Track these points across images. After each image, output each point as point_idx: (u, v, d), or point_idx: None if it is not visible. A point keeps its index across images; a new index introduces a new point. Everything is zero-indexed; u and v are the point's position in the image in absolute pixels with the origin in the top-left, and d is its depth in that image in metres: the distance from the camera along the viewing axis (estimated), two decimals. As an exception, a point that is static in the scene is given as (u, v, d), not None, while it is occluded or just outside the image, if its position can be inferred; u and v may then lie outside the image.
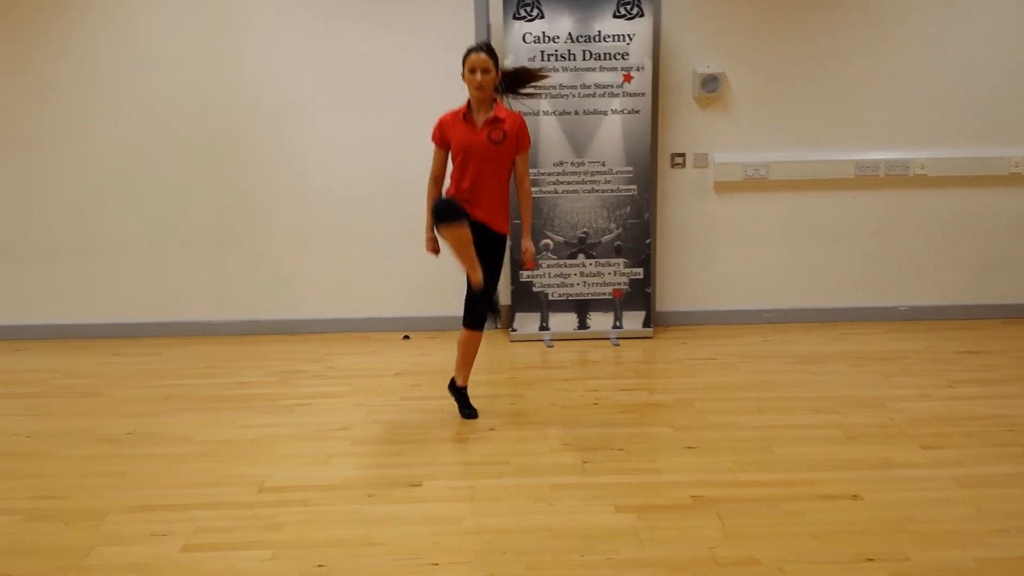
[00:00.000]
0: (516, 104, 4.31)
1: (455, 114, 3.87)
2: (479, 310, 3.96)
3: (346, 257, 5.78)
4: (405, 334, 5.79)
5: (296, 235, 5.75)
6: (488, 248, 3.85)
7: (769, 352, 5.19)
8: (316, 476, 3.47)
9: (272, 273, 5.81)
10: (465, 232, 3.62)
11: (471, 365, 4.15)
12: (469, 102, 3.84)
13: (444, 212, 3.56)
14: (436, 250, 4.00)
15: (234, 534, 2.99)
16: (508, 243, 4.04)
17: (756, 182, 5.68)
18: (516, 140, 3.83)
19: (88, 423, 4.18)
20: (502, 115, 3.81)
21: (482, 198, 3.84)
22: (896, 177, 5.67)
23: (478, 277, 3.77)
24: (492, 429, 3.97)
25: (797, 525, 2.97)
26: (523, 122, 3.87)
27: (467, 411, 4.14)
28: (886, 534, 2.90)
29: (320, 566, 2.76)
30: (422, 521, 3.07)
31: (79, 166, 5.63)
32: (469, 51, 3.74)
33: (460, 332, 4.06)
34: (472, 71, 3.71)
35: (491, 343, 5.53)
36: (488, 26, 5.45)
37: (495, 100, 3.84)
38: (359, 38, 5.49)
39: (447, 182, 4.00)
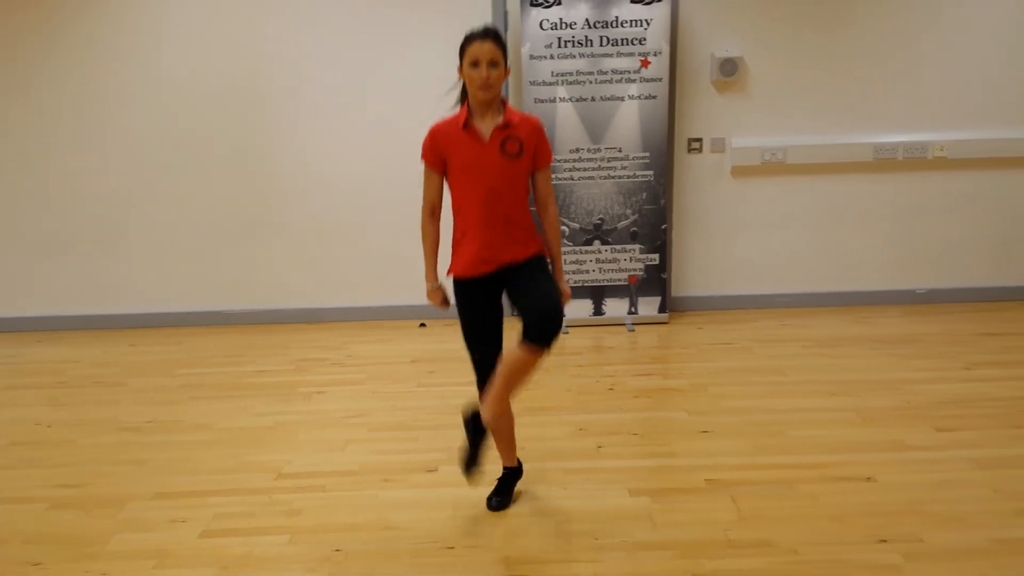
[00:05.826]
0: None
1: (450, 123, 2.80)
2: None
3: (363, 247, 5.80)
4: (421, 322, 5.81)
5: (314, 225, 5.78)
6: (528, 271, 2.84)
7: (785, 336, 5.17)
8: (333, 462, 3.51)
9: (290, 263, 5.85)
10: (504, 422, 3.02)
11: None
12: (468, 106, 2.80)
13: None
14: (445, 302, 3.00)
15: (252, 520, 3.03)
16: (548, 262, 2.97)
17: (774, 166, 5.65)
18: (534, 154, 2.82)
19: (108, 412, 4.24)
20: (514, 119, 2.78)
21: (502, 232, 2.79)
22: (914, 160, 5.63)
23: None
24: (508, 415, 3.99)
25: (811, 508, 2.97)
26: (541, 128, 2.84)
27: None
28: (900, 515, 2.90)
29: (337, 550, 2.80)
30: (438, 506, 3.09)
31: (99, 157, 5.69)
32: (470, 39, 2.70)
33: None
34: (474, 64, 2.68)
35: (506, 328, 5.54)
36: (505, 12, 5.44)
37: (503, 102, 2.82)
38: (373, 26, 5.49)
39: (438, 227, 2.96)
